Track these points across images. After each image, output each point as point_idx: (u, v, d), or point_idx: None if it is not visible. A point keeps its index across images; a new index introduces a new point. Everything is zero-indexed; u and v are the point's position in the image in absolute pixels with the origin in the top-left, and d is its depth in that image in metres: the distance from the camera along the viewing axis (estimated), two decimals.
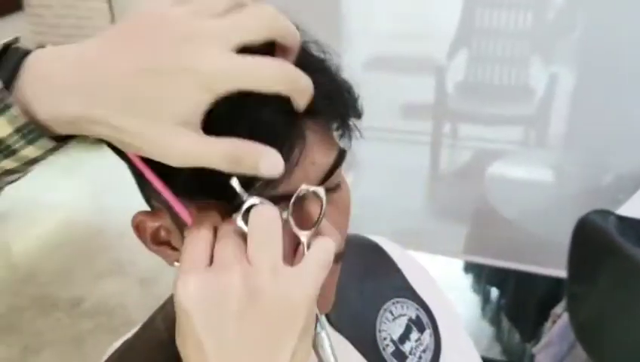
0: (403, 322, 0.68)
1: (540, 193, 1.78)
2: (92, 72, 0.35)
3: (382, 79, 1.76)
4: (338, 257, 0.51)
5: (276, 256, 0.38)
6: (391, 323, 0.67)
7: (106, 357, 0.62)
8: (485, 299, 2.28)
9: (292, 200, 0.42)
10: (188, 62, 0.34)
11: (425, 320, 0.70)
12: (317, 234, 0.42)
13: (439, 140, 1.81)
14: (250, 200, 0.40)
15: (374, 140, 1.87)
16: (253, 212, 0.39)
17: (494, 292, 2.21)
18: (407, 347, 0.67)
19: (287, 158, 0.42)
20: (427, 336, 0.69)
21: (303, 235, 0.42)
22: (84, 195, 3.10)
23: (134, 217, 0.52)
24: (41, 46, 0.39)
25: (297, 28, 0.47)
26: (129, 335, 0.63)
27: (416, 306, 0.70)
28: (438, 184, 1.93)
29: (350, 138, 0.49)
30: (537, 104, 1.66)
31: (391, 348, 0.66)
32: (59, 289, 2.70)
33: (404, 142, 1.89)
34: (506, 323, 2.08)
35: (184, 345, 0.38)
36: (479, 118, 1.76)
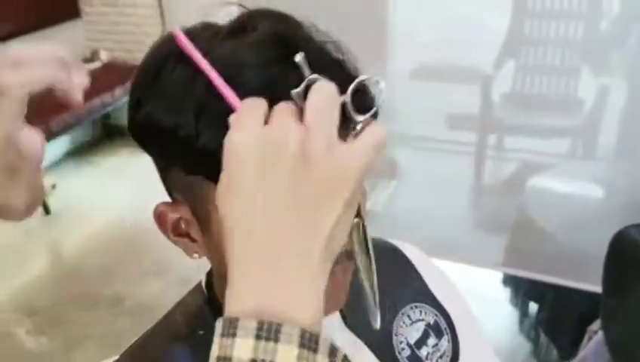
0: (420, 327, 0.68)
1: (584, 206, 1.74)
2: None
3: (427, 88, 1.76)
4: (351, 255, 0.51)
5: (332, 130, 0.38)
6: (408, 328, 0.67)
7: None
8: (523, 313, 2.23)
9: (352, 86, 0.42)
10: None
11: (443, 326, 0.69)
12: (371, 121, 0.42)
13: (484, 151, 1.79)
14: (311, 77, 0.40)
15: (418, 149, 1.86)
16: (314, 86, 0.39)
17: (533, 306, 2.16)
18: (423, 352, 0.67)
19: None
20: (445, 342, 0.69)
21: (359, 119, 0.42)
22: (131, 196, 3.18)
23: (156, 207, 0.54)
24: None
25: (316, 29, 0.49)
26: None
27: (435, 312, 0.70)
28: (481, 195, 1.91)
29: None
30: (586, 115, 1.63)
31: (407, 352, 0.66)
32: (102, 287, 2.77)
33: (448, 152, 1.88)
34: (543, 338, 2.04)
35: (229, 201, 0.38)
36: (525, 129, 1.73)
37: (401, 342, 0.66)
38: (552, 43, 1.60)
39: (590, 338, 1.49)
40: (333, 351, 0.35)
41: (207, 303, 0.61)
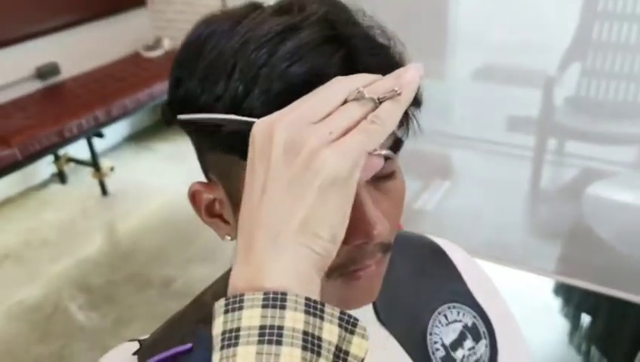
0: (457, 328, 0.65)
1: None
2: None
3: (487, 89, 1.72)
4: (386, 248, 0.50)
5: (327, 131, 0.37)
6: (444, 328, 0.64)
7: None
8: (574, 324, 2.16)
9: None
10: None
11: (482, 330, 0.66)
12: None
13: (542, 155, 1.74)
14: None
15: (474, 150, 1.82)
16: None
17: (585, 318, 2.09)
18: (459, 354, 0.64)
19: None
20: (482, 346, 0.66)
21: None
22: (185, 181, 3.25)
23: (191, 186, 0.53)
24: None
25: (364, 13, 0.48)
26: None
27: (474, 314, 0.67)
28: (537, 200, 1.85)
29: (408, 127, 0.48)
30: None
31: (441, 353, 0.63)
32: (154, 269, 2.84)
33: (505, 154, 1.83)
34: (595, 352, 1.97)
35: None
36: (588, 135, 1.67)
37: (435, 342, 0.63)
38: (621, 47, 1.53)
39: None
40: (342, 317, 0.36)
41: None
